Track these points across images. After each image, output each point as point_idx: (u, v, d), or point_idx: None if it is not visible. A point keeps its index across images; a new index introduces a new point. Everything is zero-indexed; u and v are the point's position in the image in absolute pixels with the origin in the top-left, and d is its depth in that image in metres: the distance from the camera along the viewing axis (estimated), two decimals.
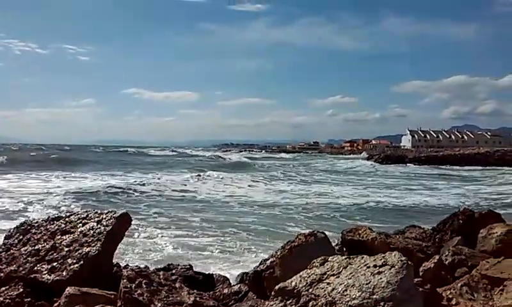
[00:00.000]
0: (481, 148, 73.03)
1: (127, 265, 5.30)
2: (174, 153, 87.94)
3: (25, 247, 4.64)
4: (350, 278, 3.05)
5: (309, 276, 3.23)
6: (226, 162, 54.89)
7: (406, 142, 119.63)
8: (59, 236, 4.69)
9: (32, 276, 4.32)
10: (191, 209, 15.25)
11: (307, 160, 76.56)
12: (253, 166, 47.84)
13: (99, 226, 4.69)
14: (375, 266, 3.06)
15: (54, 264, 4.39)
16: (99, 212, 4.96)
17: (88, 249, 4.46)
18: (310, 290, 3.11)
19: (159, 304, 3.54)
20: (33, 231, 4.83)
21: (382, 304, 2.79)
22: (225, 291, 4.88)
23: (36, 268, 4.39)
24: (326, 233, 4.79)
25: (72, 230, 4.74)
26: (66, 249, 4.51)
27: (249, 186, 25.03)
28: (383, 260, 3.08)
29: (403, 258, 3.06)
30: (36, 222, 4.99)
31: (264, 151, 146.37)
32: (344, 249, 5.44)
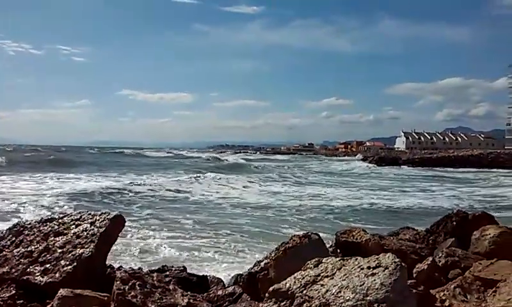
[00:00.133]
0: (475, 150, 73.44)
1: (121, 266, 5.27)
2: (170, 154, 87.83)
3: (18, 249, 4.60)
4: (344, 280, 3.05)
5: (303, 278, 3.23)
6: (224, 164, 54.91)
7: (400, 144, 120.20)
8: (52, 238, 4.66)
9: (24, 278, 4.29)
10: (186, 210, 15.22)
11: (302, 161, 76.71)
12: (250, 168, 47.87)
13: (92, 227, 4.67)
14: (369, 267, 3.06)
15: (47, 266, 4.36)
16: (93, 213, 4.94)
17: (81, 251, 4.43)
18: (304, 292, 3.11)
19: (153, 306, 3.53)
20: (26, 232, 4.80)
21: (376, 305, 2.79)
22: (219, 292, 4.87)
23: (28, 269, 4.36)
24: (320, 234, 4.79)
25: (65, 232, 4.72)
26: (59, 251, 4.49)
27: (244, 187, 25.06)
28: (376, 262, 3.09)
29: (397, 260, 3.07)
30: (29, 223, 4.96)
31: (258, 152, 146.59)
32: (338, 250, 5.45)
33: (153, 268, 5.73)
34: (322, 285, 3.10)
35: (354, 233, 5.40)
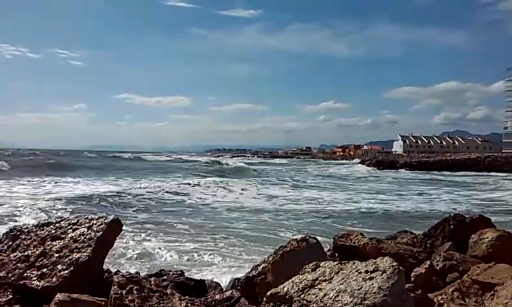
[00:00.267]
0: (472, 154, 73.67)
1: (118, 270, 5.26)
2: (169, 158, 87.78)
3: (15, 253, 4.58)
4: (342, 284, 3.05)
5: (301, 282, 3.23)
6: (224, 167, 54.93)
7: (398, 147, 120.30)
8: (49, 242, 4.64)
9: (21, 282, 4.27)
10: (186, 214, 15.21)
11: (300, 165, 76.75)
12: (251, 172, 47.93)
13: (90, 231, 4.65)
14: (366, 271, 3.06)
15: (44, 270, 4.34)
16: (90, 217, 4.91)
17: (78, 255, 4.41)
18: (302, 296, 3.10)
19: None
20: (23, 236, 4.78)
21: None
22: (217, 297, 4.86)
23: (25, 274, 4.34)
24: (318, 238, 4.79)
25: (62, 236, 4.70)
26: (56, 255, 4.47)
27: (242, 190, 25.05)
28: (374, 266, 3.09)
29: (394, 264, 3.07)
30: (26, 227, 4.93)
31: (256, 156, 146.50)
32: (336, 254, 5.44)
33: (150, 272, 5.73)
34: (320, 289, 3.09)
35: (352, 237, 5.39)
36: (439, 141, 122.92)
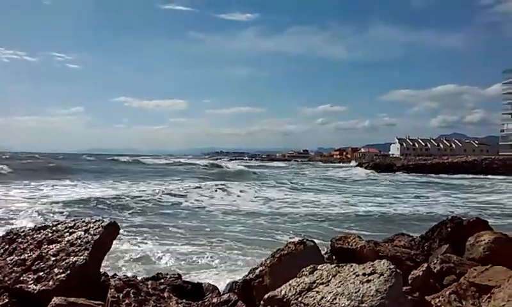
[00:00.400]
0: (469, 157, 73.87)
1: (115, 274, 5.24)
2: (168, 161, 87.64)
3: (11, 257, 4.56)
4: (339, 286, 3.05)
5: (298, 285, 3.22)
6: (224, 170, 54.95)
7: (395, 150, 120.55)
8: (45, 246, 4.62)
9: (18, 286, 4.25)
10: (184, 218, 15.19)
11: (298, 168, 76.83)
12: (251, 174, 47.90)
13: (86, 235, 4.63)
14: (364, 274, 3.06)
15: (41, 274, 4.32)
16: (87, 220, 4.90)
17: (75, 259, 4.40)
18: (300, 299, 3.10)
19: None
20: (19, 240, 4.76)
21: None
22: (214, 300, 4.84)
23: (22, 278, 4.32)
24: (315, 241, 4.79)
25: (59, 239, 4.68)
26: (52, 259, 4.45)
27: (241, 191, 25.09)
28: (371, 268, 3.09)
29: (392, 266, 3.07)
30: (23, 231, 4.91)
31: (253, 159, 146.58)
32: (334, 257, 5.44)
33: (147, 275, 5.71)
34: (317, 292, 3.09)
35: (349, 240, 5.39)
36: (436, 144, 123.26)
